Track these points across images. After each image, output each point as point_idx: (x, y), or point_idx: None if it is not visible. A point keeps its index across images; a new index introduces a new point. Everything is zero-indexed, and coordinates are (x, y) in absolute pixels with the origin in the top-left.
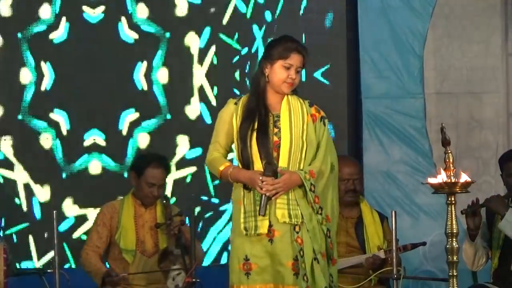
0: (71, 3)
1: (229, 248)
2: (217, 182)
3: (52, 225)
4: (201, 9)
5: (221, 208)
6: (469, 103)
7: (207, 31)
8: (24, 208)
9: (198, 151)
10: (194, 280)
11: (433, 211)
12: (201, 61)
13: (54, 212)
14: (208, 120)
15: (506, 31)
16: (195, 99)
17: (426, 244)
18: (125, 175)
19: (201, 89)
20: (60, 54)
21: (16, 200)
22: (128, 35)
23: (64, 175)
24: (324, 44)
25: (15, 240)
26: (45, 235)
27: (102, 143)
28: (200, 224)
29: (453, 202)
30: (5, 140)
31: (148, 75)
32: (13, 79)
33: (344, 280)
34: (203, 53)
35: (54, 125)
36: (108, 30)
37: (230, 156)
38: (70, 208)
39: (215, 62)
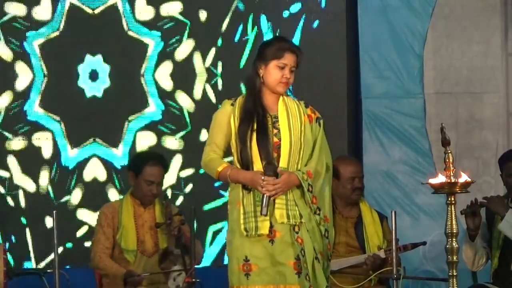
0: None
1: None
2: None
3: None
4: None
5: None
6: (469, 103)
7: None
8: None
9: None
10: (194, 280)
11: (433, 211)
12: None
13: (54, 212)
14: None
15: (506, 31)
16: None
17: (426, 243)
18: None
19: None
20: None
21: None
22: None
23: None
24: (324, 44)
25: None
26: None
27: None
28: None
29: (453, 202)
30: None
31: None
32: None
33: (344, 280)
34: None
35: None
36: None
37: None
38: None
39: None
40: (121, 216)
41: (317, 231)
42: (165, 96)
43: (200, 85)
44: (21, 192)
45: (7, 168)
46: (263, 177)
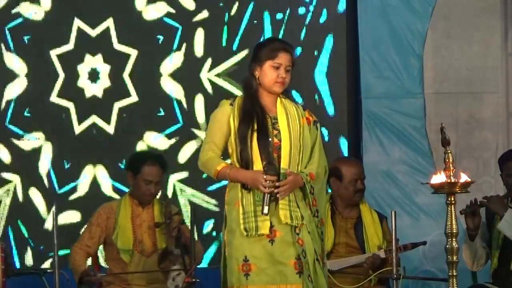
0: None
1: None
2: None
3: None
4: None
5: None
6: (469, 103)
7: None
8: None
9: None
10: (193, 280)
11: (433, 211)
12: None
13: (53, 211)
14: None
15: (506, 31)
16: None
17: (426, 243)
18: None
19: None
20: None
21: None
22: None
23: None
24: (323, 44)
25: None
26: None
27: None
28: None
29: (453, 202)
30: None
31: None
32: None
33: (344, 280)
34: None
35: None
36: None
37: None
38: None
39: None
40: (118, 216)
41: (317, 233)
42: None
43: None
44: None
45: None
46: (265, 176)
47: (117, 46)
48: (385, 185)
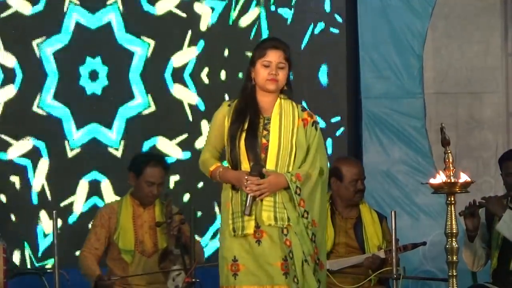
0: None
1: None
2: None
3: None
4: None
5: None
6: (469, 103)
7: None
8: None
9: None
10: (193, 280)
11: (433, 211)
12: None
13: (54, 212)
14: None
15: (506, 31)
16: None
17: (426, 244)
18: None
19: None
20: None
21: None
22: None
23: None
24: (323, 44)
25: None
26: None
27: None
28: None
29: (453, 202)
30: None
31: None
32: None
33: (344, 280)
34: None
35: None
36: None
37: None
38: None
39: None
40: (119, 217)
41: (306, 234)
42: None
43: None
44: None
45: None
46: (246, 177)
47: (121, 41)
48: (385, 185)
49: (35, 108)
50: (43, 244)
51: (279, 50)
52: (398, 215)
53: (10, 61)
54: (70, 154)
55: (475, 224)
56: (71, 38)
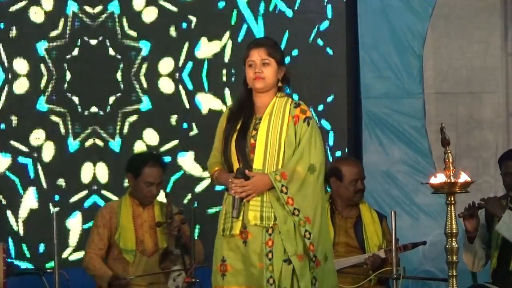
0: None
1: None
2: None
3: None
4: None
5: None
6: (469, 103)
7: None
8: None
9: None
10: (193, 280)
11: (433, 211)
12: None
13: (54, 211)
14: None
15: (506, 31)
16: None
17: (426, 243)
18: None
19: None
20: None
21: None
22: None
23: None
24: (324, 44)
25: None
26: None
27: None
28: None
29: (453, 202)
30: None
31: None
32: None
33: (344, 280)
34: None
35: None
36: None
37: None
38: None
39: None
40: (119, 217)
41: (293, 233)
42: None
43: None
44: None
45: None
46: (230, 180)
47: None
48: (385, 185)
49: (35, 108)
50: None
51: (260, 48)
52: (398, 215)
53: (9, 61)
54: (70, 154)
55: (474, 226)
56: (71, 37)
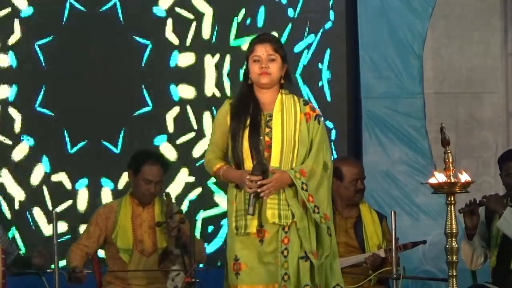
0: None
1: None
2: None
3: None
4: None
5: None
6: (469, 103)
7: None
8: None
9: None
10: (193, 280)
11: (433, 211)
12: None
13: (54, 212)
14: None
15: (506, 31)
16: None
17: (426, 242)
18: None
19: None
20: None
21: None
22: None
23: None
24: (324, 44)
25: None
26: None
27: None
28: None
29: (453, 202)
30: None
31: None
32: None
33: (344, 279)
34: None
35: None
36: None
37: None
38: None
39: None
40: (118, 216)
41: (308, 231)
42: None
43: None
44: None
45: None
46: (248, 176)
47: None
48: (385, 185)
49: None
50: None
51: (267, 43)
52: (398, 215)
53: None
54: (69, 156)
55: (474, 222)
56: (71, 36)
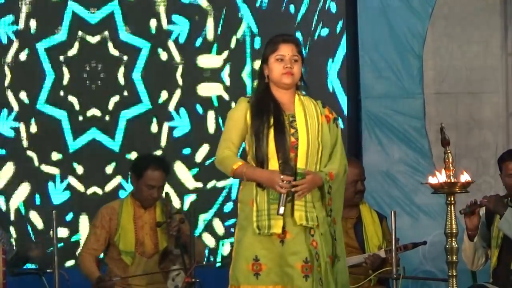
0: None
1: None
2: None
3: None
4: None
5: None
6: (469, 103)
7: None
8: None
9: None
10: (193, 280)
11: (433, 211)
12: None
13: (54, 212)
14: None
15: (506, 31)
16: None
17: (427, 243)
18: None
19: None
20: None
21: None
22: None
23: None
24: (324, 44)
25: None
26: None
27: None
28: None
29: (453, 202)
30: None
31: None
32: None
33: None
34: None
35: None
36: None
37: None
38: None
39: None
40: (120, 217)
41: (328, 233)
42: None
43: None
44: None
45: None
46: (282, 176)
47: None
48: (385, 185)
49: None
50: None
51: (291, 43)
52: (398, 215)
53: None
54: (69, 156)
55: (475, 223)
56: (70, 35)
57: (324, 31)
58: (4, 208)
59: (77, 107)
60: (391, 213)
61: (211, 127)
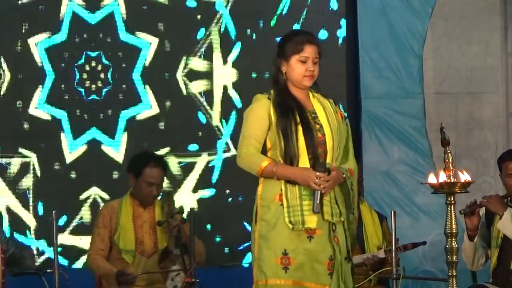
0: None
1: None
2: None
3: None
4: None
5: None
6: (469, 103)
7: None
8: None
9: None
10: (193, 280)
11: (433, 211)
12: None
13: (54, 212)
14: None
15: (506, 31)
16: None
17: (426, 243)
18: None
19: None
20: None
21: None
22: None
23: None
24: (324, 44)
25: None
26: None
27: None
28: None
29: (453, 202)
30: None
31: None
32: None
33: None
34: None
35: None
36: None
37: None
38: None
39: None
40: (119, 217)
41: (347, 231)
42: None
43: None
44: None
45: None
46: (317, 174)
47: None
48: (384, 185)
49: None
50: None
51: (315, 45)
52: (397, 215)
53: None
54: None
55: (475, 223)
56: (70, 35)
57: (323, 33)
58: None
59: (77, 107)
60: (391, 213)
61: None
